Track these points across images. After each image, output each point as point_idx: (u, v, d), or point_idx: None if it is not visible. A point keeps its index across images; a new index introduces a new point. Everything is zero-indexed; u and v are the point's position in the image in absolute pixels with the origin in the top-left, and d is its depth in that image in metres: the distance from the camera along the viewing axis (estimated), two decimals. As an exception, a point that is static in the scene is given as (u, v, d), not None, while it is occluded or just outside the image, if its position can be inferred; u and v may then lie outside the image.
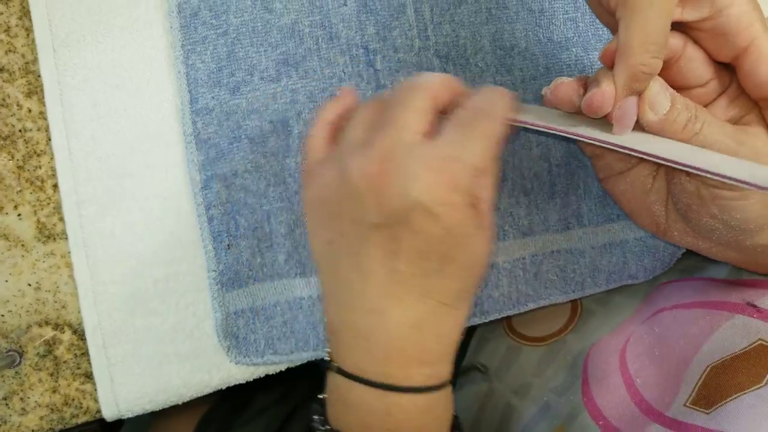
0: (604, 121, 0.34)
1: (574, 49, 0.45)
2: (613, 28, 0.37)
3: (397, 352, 0.34)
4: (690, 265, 0.48)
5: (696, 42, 0.35)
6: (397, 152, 0.31)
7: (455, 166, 0.31)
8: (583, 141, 0.35)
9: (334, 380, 0.36)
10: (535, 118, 0.36)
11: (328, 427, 0.36)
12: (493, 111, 0.33)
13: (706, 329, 0.39)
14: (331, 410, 0.36)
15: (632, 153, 0.33)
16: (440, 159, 0.31)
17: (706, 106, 0.36)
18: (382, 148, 0.32)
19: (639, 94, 0.33)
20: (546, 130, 0.35)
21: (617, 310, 0.47)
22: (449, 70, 0.44)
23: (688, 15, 0.33)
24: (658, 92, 0.33)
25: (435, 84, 0.34)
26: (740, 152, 0.32)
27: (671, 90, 0.33)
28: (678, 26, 0.34)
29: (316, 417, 0.37)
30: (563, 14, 0.44)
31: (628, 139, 0.33)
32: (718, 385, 0.35)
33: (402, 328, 0.34)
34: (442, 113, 0.34)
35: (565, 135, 0.35)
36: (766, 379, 0.34)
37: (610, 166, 0.40)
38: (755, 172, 0.29)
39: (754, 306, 0.38)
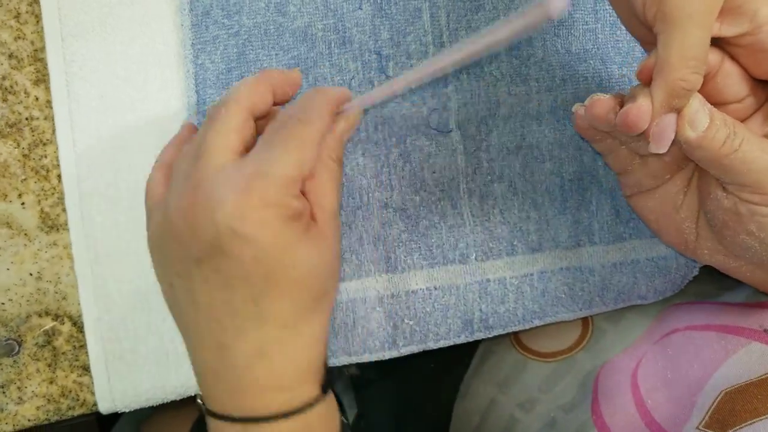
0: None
1: (592, 61, 0.44)
2: (644, 42, 0.36)
3: (249, 383, 0.34)
4: (705, 290, 0.47)
5: (733, 58, 0.34)
6: (205, 180, 0.31)
7: (261, 182, 0.30)
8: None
9: (209, 422, 0.36)
10: (372, 95, 0.35)
11: None
12: (304, 115, 0.33)
13: (720, 354, 0.39)
14: None
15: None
16: (245, 178, 0.30)
17: (742, 121, 0.35)
18: (194, 178, 0.31)
19: (678, 111, 0.32)
20: (377, 100, 0.35)
21: (629, 329, 0.46)
22: (463, 79, 0.43)
23: (726, 31, 0.32)
24: (698, 109, 0.32)
25: (245, 92, 0.33)
26: None
27: (710, 106, 0.32)
28: (715, 42, 0.33)
29: None
30: (583, 25, 0.43)
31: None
32: (733, 410, 0.35)
33: (248, 358, 0.33)
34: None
35: (392, 94, 0.34)
36: None
37: (639, 182, 0.38)
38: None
39: None
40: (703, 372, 0.39)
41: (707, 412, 0.36)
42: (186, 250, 0.32)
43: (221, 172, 0.31)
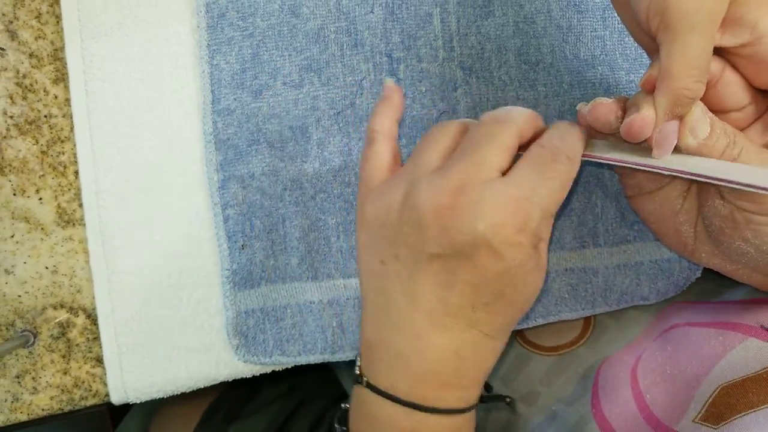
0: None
1: (600, 68, 0.44)
2: (649, 50, 0.36)
3: (434, 375, 0.35)
4: (707, 289, 0.47)
5: (734, 67, 0.34)
6: (471, 187, 0.32)
7: (526, 207, 0.31)
8: (639, 168, 0.35)
9: (362, 394, 0.37)
10: (603, 152, 0.35)
11: None
12: (569, 150, 0.33)
13: (718, 350, 0.39)
14: (356, 423, 0.37)
15: (689, 176, 0.33)
16: (513, 199, 0.31)
17: (742, 130, 0.35)
18: (457, 180, 0.32)
19: (680, 118, 0.32)
20: (615, 163, 0.35)
21: (630, 325, 0.47)
22: (472, 83, 0.43)
23: (727, 41, 0.32)
24: (699, 117, 0.32)
25: (523, 120, 0.34)
26: None
27: (711, 115, 0.33)
28: (717, 51, 0.33)
29: (338, 426, 0.38)
30: (591, 32, 0.44)
31: (683, 163, 0.33)
32: (729, 403, 0.35)
33: (443, 354, 0.34)
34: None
35: (634, 167, 0.34)
36: None
37: (639, 185, 0.39)
38: None
39: None
40: (701, 368, 0.39)
41: (704, 406, 0.36)
42: (424, 242, 0.33)
43: (490, 185, 0.32)
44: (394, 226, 0.34)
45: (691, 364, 0.40)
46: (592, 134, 0.37)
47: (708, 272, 0.47)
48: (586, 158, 0.35)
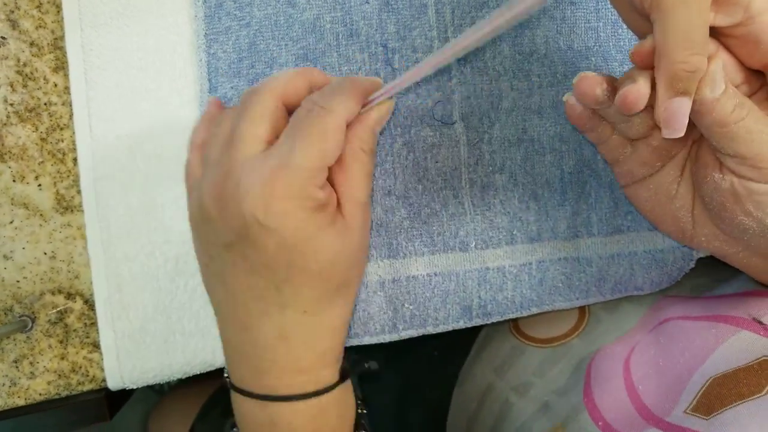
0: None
1: (593, 59, 0.45)
2: (643, 35, 0.36)
3: (269, 364, 0.35)
4: (701, 283, 0.48)
5: (727, 48, 0.34)
6: (234, 168, 0.32)
7: (284, 173, 0.31)
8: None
9: (232, 395, 0.37)
10: (401, 80, 0.34)
11: None
12: (327, 103, 0.32)
13: (710, 342, 0.39)
14: (239, 425, 0.38)
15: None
16: (270, 168, 0.31)
17: None
18: (225, 165, 0.32)
19: (685, 94, 0.32)
20: (404, 86, 0.35)
21: (624, 317, 0.47)
22: (466, 73, 0.44)
23: (720, 20, 0.32)
24: (718, 72, 0.32)
25: (281, 81, 0.34)
26: None
27: (724, 75, 0.33)
28: (710, 32, 0.33)
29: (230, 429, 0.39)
30: (585, 23, 0.44)
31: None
32: (719, 394, 0.36)
33: (270, 339, 0.35)
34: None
35: (417, 78, 0.34)
36: (767, 389, 0.34)
37: (631, 172, 0.39)
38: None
39: (760, 322, 0.38)
40: (693, 360, 0.39)
41: (695, 397, 0.37)
42: (217, 235, 0.33)
43: (248, 162, 0.32)
44: (199, 228, 0.35)
45: (683, 356, 0.40)
46: (582, 122, 0.38)
47: (702, 267, 0.47)
48: (379, 99, 0.35)
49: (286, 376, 0.35)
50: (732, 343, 0.38)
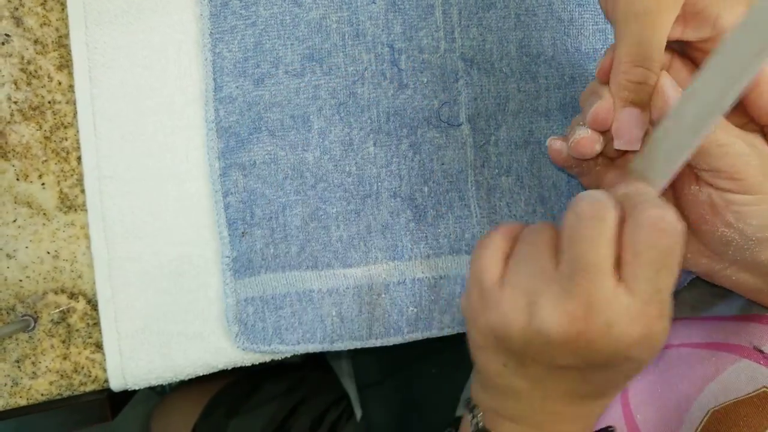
0: None
1: (601, 61, 0.44)
2: None
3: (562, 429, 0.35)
4: (700, 299, 0.47)
5: (697, 62, 0.35)
6: (599, 308, 0.29)
7: (656, 307, 0.29)
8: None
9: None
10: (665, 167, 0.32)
11: None
12: (665, 227, 0.29)
13: (710, 371, 0.39)
14: None
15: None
16: (642, 315, 0.29)
17: None
18: (582, 297, 0.29)
19: (637, 106, 0.33)
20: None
21: None
22: (473, 74, 0.44)
23: (689, 35, 0.33)
24: (670, 85, 0.32)
25: (613, 213, 0.30)
26: (752, 153, 0.32)
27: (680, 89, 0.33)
28: (680, 45, 0.34)
29: None
30: (593, 25, 0.44)
31: None
32: (719, 431, 0.35)
33: (574, 416, 0.34)
34: None
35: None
36: None
37: (598, 183, 0.39)
38: None
39: (761, 351, 0.38)
40: (692, 388, 0.39)
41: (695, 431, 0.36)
42: (554, 359, 0.31)
43: (617, 303, 0.29)
44: (517, 343, 0.31)
45: (682, 383, 0.40)
46: (568, 164, 0.38)
47: (700, 281, 0.47)
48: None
49: None
50: (732, 372, 0.38)
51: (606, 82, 0.34)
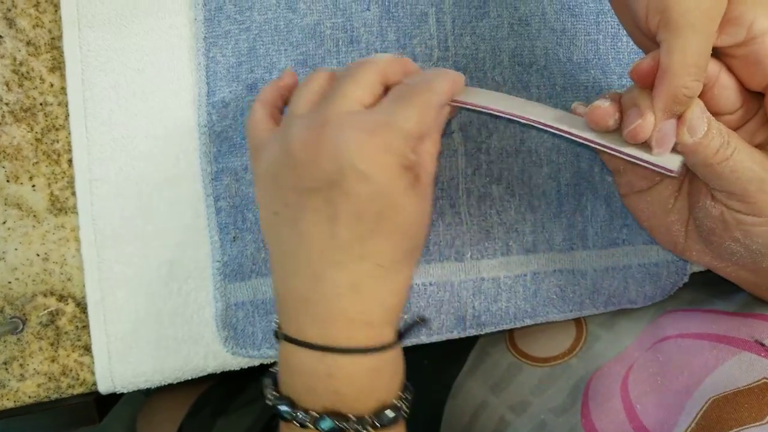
0: (547, 107, 0.37)
1: (593, 71, 0.45)
2: (646, 51, 0.37)
3: (338, 314, 0.35)
4: (698, 298, 0.48)
5: (729, 68, 0.34)
6: (334, 119, 0.33)
7: (387, 129, 0.33)
8: (535, 126, 0.37)
9: (282, 347, 0.37)
10: (482, 101, 0.37)
11: (276, 393, 0.37)
12: (431, 85, 0.35)
13: (711, 362, 0.39)
14: (281, 377, 0.37)
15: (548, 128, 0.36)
16: (372, 123, 0.33)
17: (734, 130, 0.36)
18: (323, 115, 0.34)
19: (678, 117, 0.33)
20: (490, 112, 0.37)
21: (622, 335, 0.47)
22: (466, 83, 0.44)
23: (723, 40, 0.33)
24: (699, 116, 0.33)
25: (384, 61, 0.36)
26: (765, 179, 0.33)
27: (708, 114, 0.33)
28: (712, 52, 0.33)
29: (267, 383, 0.38)
30: (585, 35, 0.44)
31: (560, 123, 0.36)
32: (719, 417, 0.35)
33: (342, 290, 0.35)
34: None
35: (508, 117, 0.37)
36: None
37: (631, 183, 0.40)
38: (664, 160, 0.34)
39: (762, 344, 0.38)
40: (692, 379, 0.39)
41: (694, 419, 0.36)
42: (301, 181, 0.34)
43: (351, 115, 0.33)
44: (278, 175, 0.35)
45: (682, 374, 0.40)
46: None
47: (699, 281, 0.47)
48: (459, 104, 0.37)
49: (352, 329, 0.35)
50: (733, 363, 0.38)
51: (642, 84, 0.33)
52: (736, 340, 0.39)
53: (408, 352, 0.46)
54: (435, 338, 0.44)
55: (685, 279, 0.46)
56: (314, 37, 0.43)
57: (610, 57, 0.45)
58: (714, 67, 0.34)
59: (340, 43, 0.43)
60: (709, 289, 0.48)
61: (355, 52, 0.43)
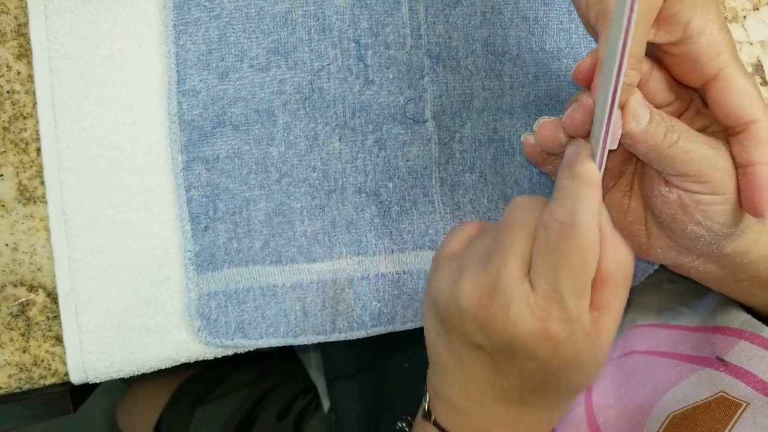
0: None
1: (565, 60, 0.45)
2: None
3: (493, 430, 0.36)
4: (666, 307, 0.48)
5: (665, 65, 0.35)
6: (503, 286, 0.32)
7: (557, 311, 0.31)
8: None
9: (427, 427, 0.38)
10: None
11: None
12: (564, 216, 0.31)
13: (673, 377, 0.40)
14: None
15: None
16: (541, 308, 0.31)
17: None
18: (491, 278, 0.32)
19: (621, 107, 0.33)
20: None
21: None
22: (439, 71, 0.44)
23: (661, 38, 0.33)
24: (641, 103, 0.33)
25: (538, 208, 0.33)
26: (717, 156, 0.33)
27: (648, 103, 0.34)
28: (650, 47, 0.34)
29: None
30: (557, 24, 0.44)
31: None
32: None
33: (502, 417, 0.36)
34: None
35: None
36: None
37: None
38: None
39: (722, 360, 0.39)
40: (654, 392, 0.40)
41: None
42: (467, 333, 0.34)
43: (517, 289, 0.31)
44: (442, 307, 0.35)
45: (645, 388, 0.41)
46: (542, 160, 0.38)
47: (667, 291, 0.48)
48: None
49: None
50: (693, 380, 0.39)
51: (584, 83, 0.34)
52: (699, 359, 0.40)
53: (388, 351, 0.46)
54: (409, 326, 0.45)
55: (656, 266, 0.46)
56: (286, 25, 0.43)
57: (582, 46, 0.45)
58: (647, 65, 0.35)
59: (312, 31, 0.43)
60: (676, 298, 0.49)
61: (328, 41, 0.43)
